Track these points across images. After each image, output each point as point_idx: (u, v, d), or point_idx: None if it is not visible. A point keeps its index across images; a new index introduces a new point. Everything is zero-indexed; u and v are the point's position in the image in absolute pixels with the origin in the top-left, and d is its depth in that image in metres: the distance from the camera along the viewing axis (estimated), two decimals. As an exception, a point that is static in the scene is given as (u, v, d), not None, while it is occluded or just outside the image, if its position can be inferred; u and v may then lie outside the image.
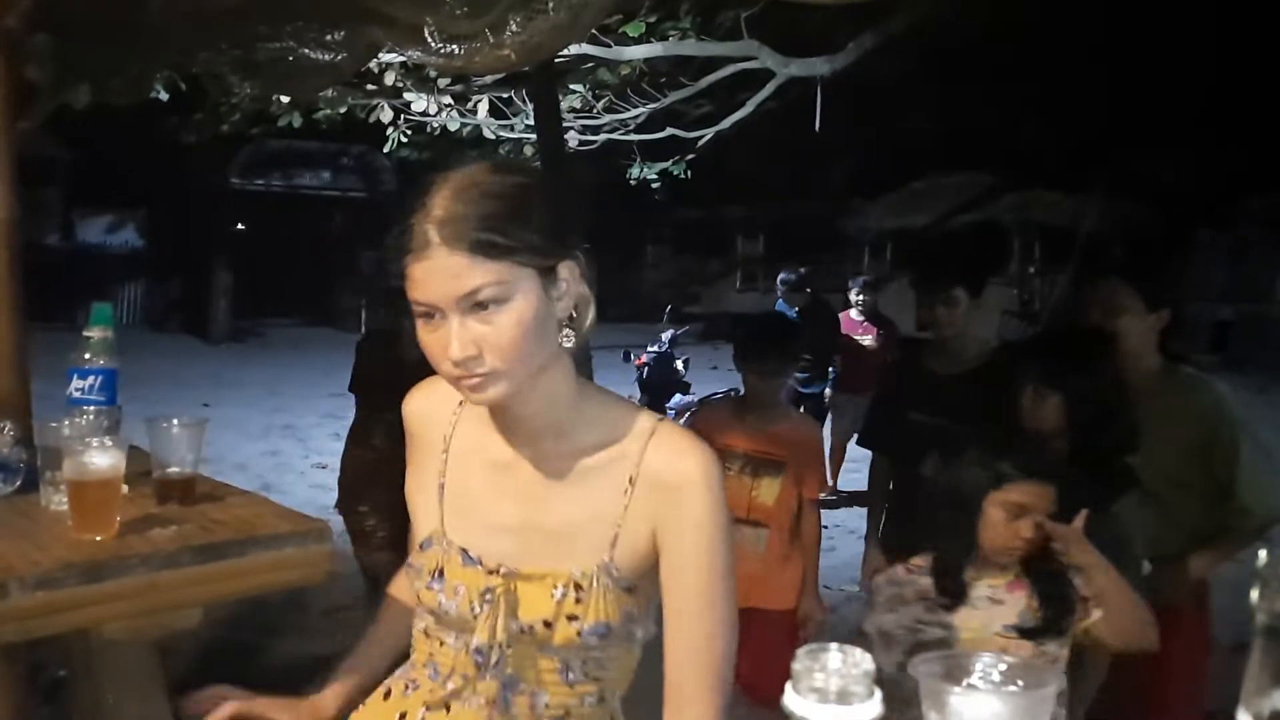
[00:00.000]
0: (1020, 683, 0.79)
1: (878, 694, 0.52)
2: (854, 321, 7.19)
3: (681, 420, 7.24)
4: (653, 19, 8.14)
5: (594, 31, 7.78)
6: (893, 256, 18.00)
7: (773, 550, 3.19)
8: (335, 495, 4.50)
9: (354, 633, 5.08)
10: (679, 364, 7.55)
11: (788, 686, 0.52)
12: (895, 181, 18.51)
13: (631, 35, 8.02)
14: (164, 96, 7.91)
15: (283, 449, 8.91)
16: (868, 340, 7.06)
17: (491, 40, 1.74)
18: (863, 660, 0.52)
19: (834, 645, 0.52)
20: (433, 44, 1.92)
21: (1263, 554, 0.45)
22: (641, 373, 7.53)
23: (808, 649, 0.52)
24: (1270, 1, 10.44)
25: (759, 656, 3.19)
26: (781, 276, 7.53)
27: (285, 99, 8.06)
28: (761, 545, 3.18)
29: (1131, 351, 2.55)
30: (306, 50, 2.39)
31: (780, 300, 7.43)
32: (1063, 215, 16.23)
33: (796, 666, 0.51)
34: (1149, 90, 14.28)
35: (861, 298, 7.21)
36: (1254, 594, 0.45)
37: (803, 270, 7.69)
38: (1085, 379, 2.33)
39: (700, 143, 9.96)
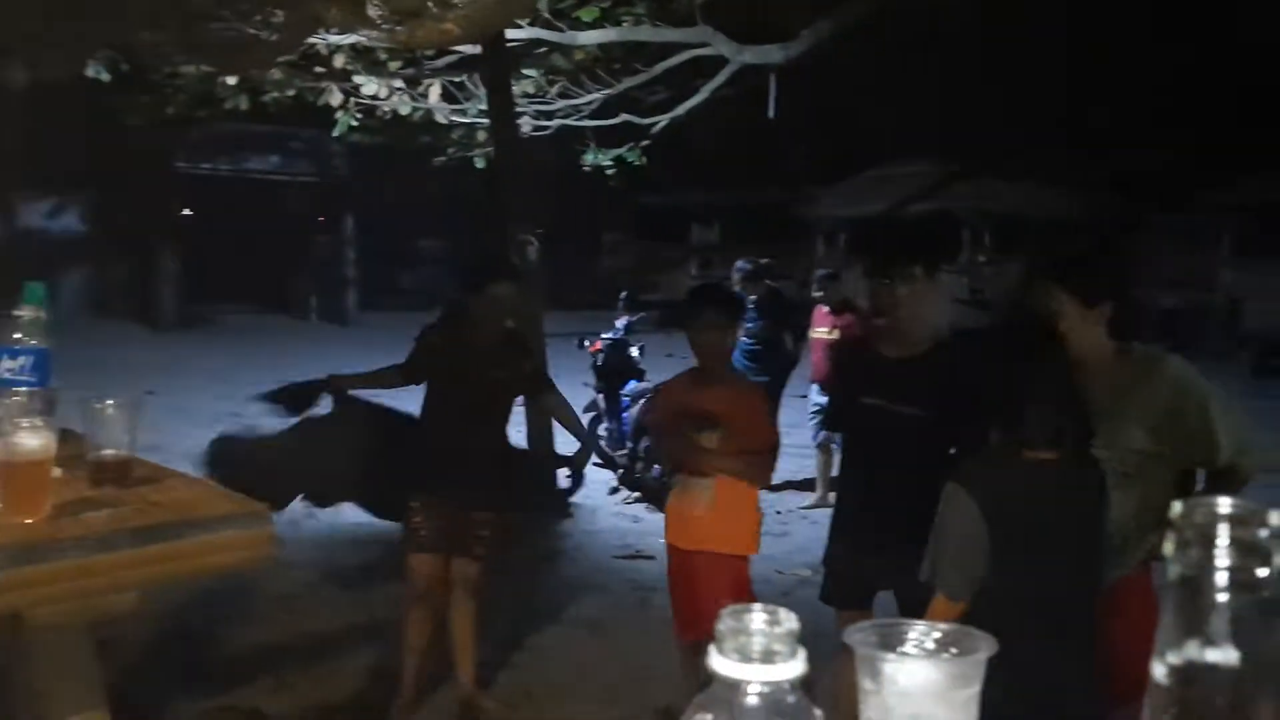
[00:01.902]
0: (954, 649, 0.79)
1: (801, 653, 0.52)
2: (824, 315, 7.08)
3: (636, 407, 7.24)
4: (606, 4, 8.11)
5: (547, 16, 7.75)
6: (847, 244, 18.10)
7: (720, 499, 3.44)
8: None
9: (305, 621, 5.02)
10: (634, 350, 7.51)
11: (711, 648, 0.52)
12: (850, 169, 18.60)
13: (585, 20, 7.99)
14: (105, 77, 7.77)
15: (232, 437, 8.78)
16: (823, 331, 6.96)
17: (434, 13, 1.72)
18: (786, 620, 0.52)
19: (758, 605, 0.52)
20: (374, 17, 1.89)
21: (1176, 505, 0.45)
22: (596, 359, 7.49)
23: (731, 609, 0.52)
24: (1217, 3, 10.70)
25: (708, 598, 3.31)
26: (738, 264, 7.50)
27: (231, 81, 7.95)
28: (709, 494, 3.44)
29: (1080, 345, 2.60)
30: (248, 26, 2.35)
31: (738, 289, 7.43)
32: (1014, 204, 16.41)
33: (721, 627, 0.51)
34: (1103, 82, 14.51)
35: (822, 292, 7.12)
36: (1168, 546, 0.45)
37: (762, 261, 7.63)
38: (1030, 371, 2.36)
39: (655, 129, 9.95)
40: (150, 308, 17.27)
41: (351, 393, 4.07)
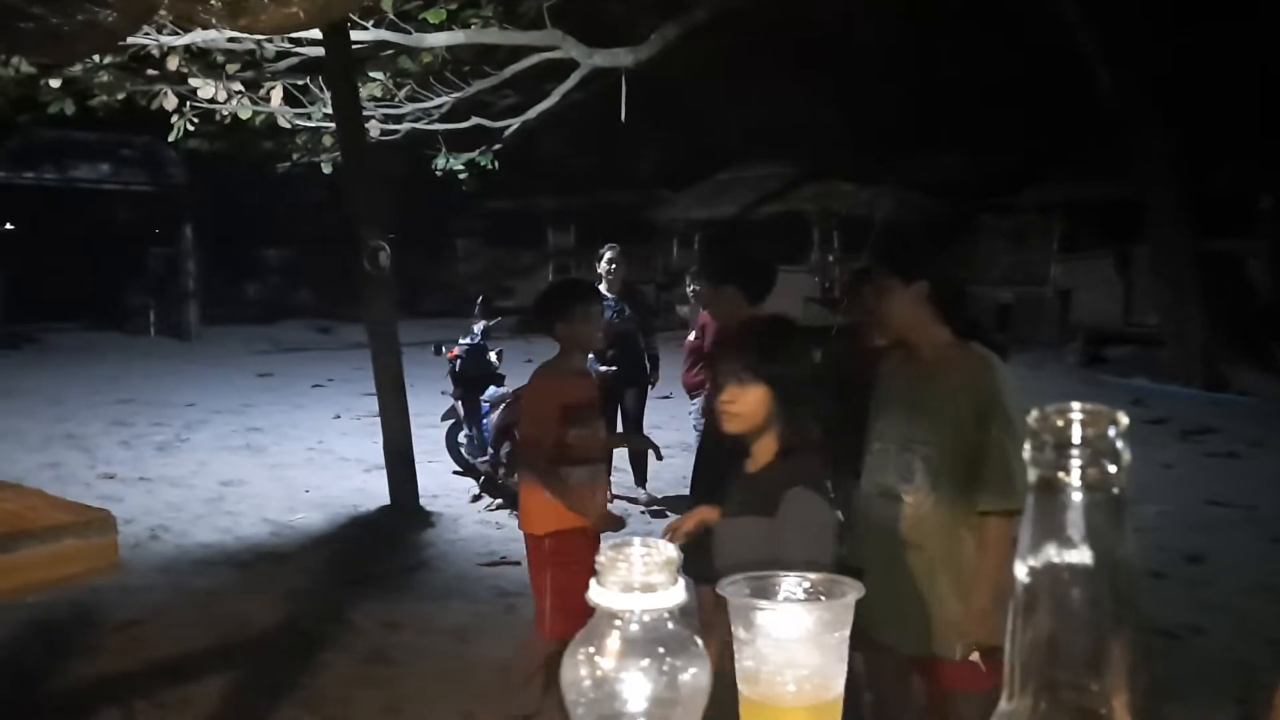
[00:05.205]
0: (823, 596, 0.81)
1: (681, 582, 0.52)
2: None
3: (496, 413, 7.16)
4: (454, 6, 8.01)
5: (393, 17, 7.60)
6: (700, 247, 18.40)
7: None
8: (125, 506, 4.22)
9: (153, 647, 4.79)
10: (492, 356, 7.42)
11: (592, 582, 0.51)
12: (702, 173, 18.91)
13: (432, 22, 7.86)
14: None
15: (66, 460, 8.30)
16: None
17: (277, -3, 1.66)
18: (666, 549, 0.52)
19: (638, 539, 0.52)
20: (214, 2, 1.82)
21: (1034, 412, 0.48)
22: (454, 366, 7.38)
23: (612, 542, 0.52)
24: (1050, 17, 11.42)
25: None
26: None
27: (55, 83, 7.52)
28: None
29: (909, 331, 2.68)
30: (66, 22, 2.22)
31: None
32: (859, 205, 17.00)
33: (601, 560, 0.51)
34: (939, 87, 15.20)
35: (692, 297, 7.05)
36: (1026, 452, 0.47)
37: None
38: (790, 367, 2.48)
39: (507, 133, 9.88)
40: (-33, 329, 16.16)
41: None
